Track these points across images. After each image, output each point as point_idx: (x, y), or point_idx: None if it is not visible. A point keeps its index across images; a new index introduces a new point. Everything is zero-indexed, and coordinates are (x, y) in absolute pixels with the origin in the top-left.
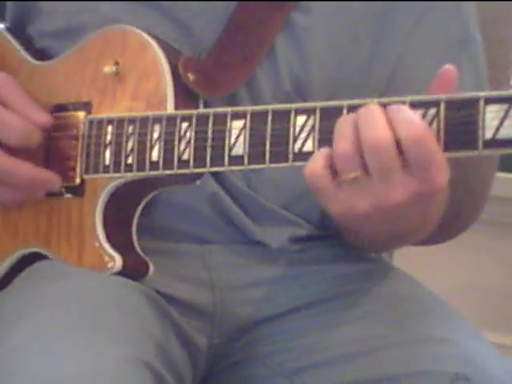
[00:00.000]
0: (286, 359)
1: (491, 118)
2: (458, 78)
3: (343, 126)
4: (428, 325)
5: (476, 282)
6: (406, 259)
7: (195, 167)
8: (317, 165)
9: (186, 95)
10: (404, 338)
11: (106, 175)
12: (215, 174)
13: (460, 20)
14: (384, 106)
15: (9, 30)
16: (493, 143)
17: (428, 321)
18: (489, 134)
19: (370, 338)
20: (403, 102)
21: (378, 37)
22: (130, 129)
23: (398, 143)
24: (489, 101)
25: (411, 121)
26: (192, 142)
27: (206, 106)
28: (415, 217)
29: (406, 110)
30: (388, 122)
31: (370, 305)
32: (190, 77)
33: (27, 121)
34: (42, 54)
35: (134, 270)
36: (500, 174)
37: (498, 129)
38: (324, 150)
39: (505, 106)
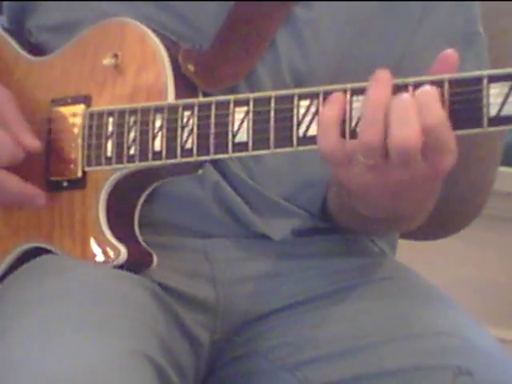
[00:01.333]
0: (289, 353)
1: (495, 95)
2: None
3: (373, 111)
4: (430, 319)
5: (478, 277)
6: (409, 254)
7: (199, 155)
8: (332, 142)
9: (186, 87)
10: (406, 332)
11: (108, 167)
12: (217, 166)
13: (465, 15)
14: (413, 86)
15: (4, 27)
16: (497, 120)
17: (430, 315)
18: (493, 111)
19: (372, 332)
20: (406, 84)
21: (382, 32)
22: (132, 119)
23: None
24: (492, 79)
25: (434, 106)
26: (195, 130)
27: (205, 96)
28: (418, 198)
29: (430, 96)
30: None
31: (373, 299)
32: (190, 68)
33: (18, 144)
34: (38, 50)
35: (138, 261)
36: (503, 169)
37: (502, 105)
38: (336, 125)
39: (509, 83)
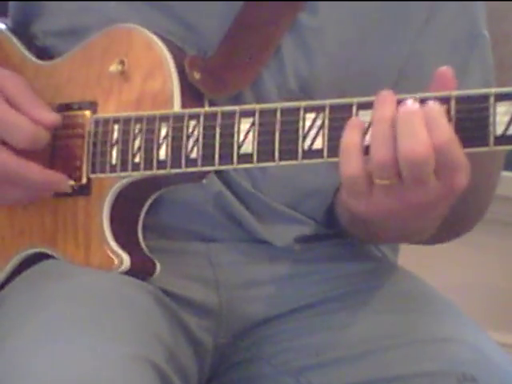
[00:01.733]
0: (292, 358)
1: (502, 114)
2: (466, 76)
3: (383, 129)
4: (434, 324)
5: (479, 282)
6: (410, 258)
7: (203, 166)
8: (358, 167)
9: (192, 94)
10: (410, 337)
11: (113, 175)
12: (220, 174)
13: (470, 17)
14: (420, 101)
15: (11, 29)
16: (504, 139)
17: (434, 320)
18: (500, 130)
19: (376, 338)
20: (414, 99)
21: (387, 36)
22: (137, 127)
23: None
24: (499, 97)
25: (442, 123)
26: (200, 140)
27: (211, 105)
28: (435, 217)
29: (437, 112)
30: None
31: (376, 304)
32: (196, 75)
33: (35, 122)
34: (45, 54)
35: (141, 269)
36: (504, 173)
37: (509, 124)
38: (359, 151)
39: None
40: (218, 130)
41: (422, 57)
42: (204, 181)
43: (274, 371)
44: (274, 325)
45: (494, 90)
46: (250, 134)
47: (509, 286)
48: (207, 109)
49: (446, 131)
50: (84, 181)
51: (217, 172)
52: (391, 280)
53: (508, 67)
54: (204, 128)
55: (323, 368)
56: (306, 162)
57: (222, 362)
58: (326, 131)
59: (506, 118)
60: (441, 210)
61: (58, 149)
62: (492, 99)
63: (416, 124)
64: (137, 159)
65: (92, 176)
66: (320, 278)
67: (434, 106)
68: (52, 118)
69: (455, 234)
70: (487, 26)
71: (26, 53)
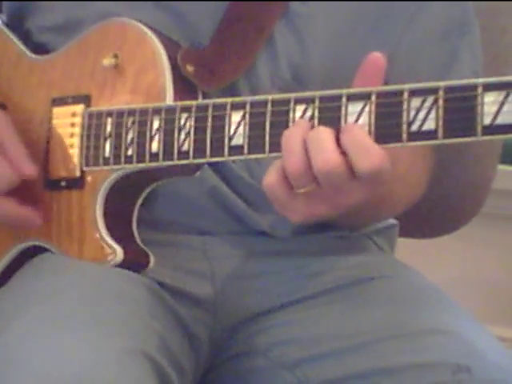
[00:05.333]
0: (288, 351)
1: (490, 104)
2: (456, 63)
3: (292, 141)
4: (429, 316)
5: (477, 276)
6: (408, 252)
7: (195, 158)
8: (272, 178)
9: (185, 87)
10: (405, 329)
11: (106, 167)
12: (215, 167)
13: (460, 6)
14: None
15: (6, 24)
16: (491, 129)
17: (429, 312)
18: (487, 120)
19: (371, 330)
20: (401, 90)
21: (376, 26)
22: (130, 120)
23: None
24: (487, 87)
25: (365, 150)
26: (192, 132)
27: (205, 97)
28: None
29: (354, 128)
30: (336, 143)
31: (372, 296)
32: (189, 68)
33: (16, 171)
34: (41, 49)
35: (134, 262)
36: (501, 167)
37: (496, 114)
38: (278, 163)
39: (503, 92)
40: (209, 123)
41: (413, 46)
42: (197, 174)
43: (269, 364)
44: (270, 318)
45: (481, 80)
46: (241, 126)
47: (508, 280)
48: (199, 101)
49: (356, 137)
50: (78, 174)
51: (212, 164)
52: (387, 273)
53: (503, 61)
54: (196, 120)
55: (319, 360)
56: None
57: (218, 355)
58: (316, 123)
59: (494, 108)
60: (375, 193)
61: (53, 142)
62: (480, 89)
63: (325, 140)
64: (130, 152)
65: (85, 169)
66: (316, 270)
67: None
68: (32, 171)
69: (452, 227)
70: (484, 21)
71: (23, 48)
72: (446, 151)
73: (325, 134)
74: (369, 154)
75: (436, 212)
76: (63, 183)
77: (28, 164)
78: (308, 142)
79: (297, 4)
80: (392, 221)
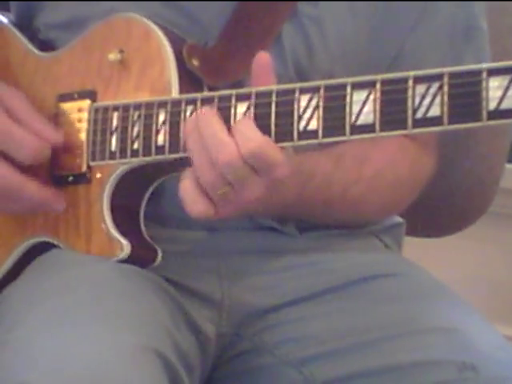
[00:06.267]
0: (294, 349)
1: (494, 89)
2: None
3: (197, 154)
4: (435, 314)
5: (482, 274)
6: (414, 251)
7: None
8: (188, 187)
9: (190, 81)
10: (411, 327)
11: (113, 161)
12: None
13: (466, 10)
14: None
15: (14, 22)
16: (497, 114)
17: (435, 310)
18: (492, 105)
19: (378, 328)
20: (406, 77)
21: (383, 26)
22: (136, 114)
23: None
24: (491, 72)
25: (248, 138)
26: None
27: (210, 91)
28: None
29: (245, 125)
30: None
31: (378, 294)
32: (195, 62)
33: (38, 137)
34: (47, 46)
35: (142, 257)
36: (508, 166)
37: (501, 99)
38: (191, 173)
39: (508, 77)
40: None
41: (417, 50)
42: None
43: (276, 361)
44: (277, 315)
45: (486, 65)
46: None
47: (511, 278)
48: (204, 93)
49: (253, 139)
50: (84, 169)
51: None
52: (394, 271)
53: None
54: None
55: (325, 358)
56: (301, 143)
57: (225, 352)
58: (321, 112)
59: (499, 93)
60: (279, 190)
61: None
62: (484, 74)
63: (223, 138)
64: (136, 145)
65: (92, 164)
66: (323, 267)
67: (241, 120)
68: (56, 136)
69: (459, 226)
70: (490, 21)
71: (29, 46)
72: (453, 147)
73: (220, 132)
74: (249, 140)
75: (443, 210)
76: (70, 178)
77: (51, 130)
78: (207, 144)
79: (305, 6)
80: (399, 219)
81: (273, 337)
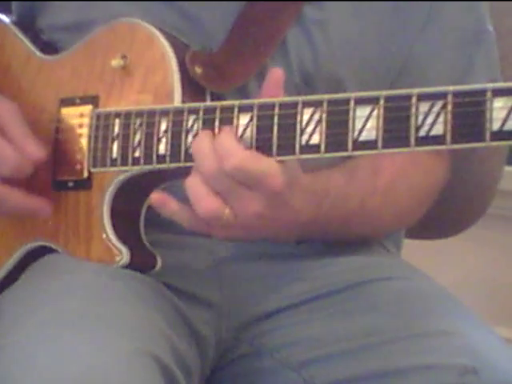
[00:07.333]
0: (294, 352)
1: (499, 110)
2: (472, 73)
3: (195, 192)
4: (436, 318)
5: (482, 277)
6: (413, 253)
7: None
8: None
9: (193, 88)
10: (412, 331)
11: (114, 168)
12: None
13: (475, 14)
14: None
15: (16, 23)
16: (500, 135)
17: (436, 314)
18: (496, 126)
19: (377, 331)
20: (410, 95)
21: (390, 30)
22: (138, 121)
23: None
24: (496, 92)
25: (232, 150)
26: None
27: (213, 98)
28: (285, 213)
29: (225, 141)
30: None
31: (378, 298)
32: (198, 70)
33: (22, 154)
34: (50, 48)
35: (141, 264)
36: (507, 168)
37: (505, 120)
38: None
39: None
40: (216, 125)
41: (426, 52)
42: None
43: (276, 365)
44: (276, 318)
45: (491, 85)
46: (249, 128)
47: (511, 280)
48: (207, 103)
49: (234, 155)
50: (85, 175)
51: None
52: (393, 274)
53: (511, 62)
54: (203, 122)
55: (325, 361)
56: (303, 157)
57: (224, 356)
58: (324, 126)
59: (503, 114)
60: (280, 212)
61: (60, 143)
62: (489, 94)
63: (207, 153)
64: (137, 153)
65: (93, 170)
66: (322, 271)
67: (223, 135)
68: (39, 153)
69: (458, 228)
70: (491, 21)
71: (32, 47)
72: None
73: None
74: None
75: (442, 213)
76: (71, 184)
77: (34, 146)
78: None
79: (311, 10)
80: None
81: (272, 340)
